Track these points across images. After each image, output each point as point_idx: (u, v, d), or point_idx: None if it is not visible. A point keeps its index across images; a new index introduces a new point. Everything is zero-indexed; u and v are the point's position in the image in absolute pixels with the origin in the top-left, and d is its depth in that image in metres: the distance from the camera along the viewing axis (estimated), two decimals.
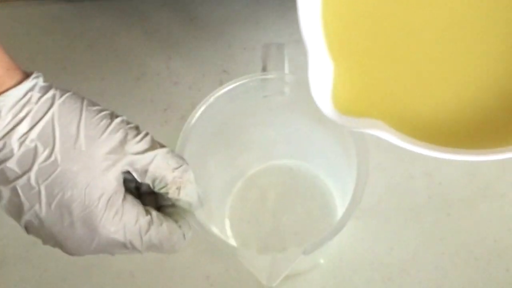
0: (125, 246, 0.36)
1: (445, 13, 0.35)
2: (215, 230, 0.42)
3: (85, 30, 0.61)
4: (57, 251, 0.52)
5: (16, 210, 0.35)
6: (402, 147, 0.33)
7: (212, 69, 0.59)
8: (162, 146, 0.37)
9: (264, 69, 0.45)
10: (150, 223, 0.37)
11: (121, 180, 0.36)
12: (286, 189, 0.53)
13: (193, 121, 0.42)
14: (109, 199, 0.35)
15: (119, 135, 0.35)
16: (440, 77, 0.34)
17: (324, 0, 0.35)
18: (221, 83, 0.58)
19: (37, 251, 0.52)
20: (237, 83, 0.43)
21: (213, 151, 0.47)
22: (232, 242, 0.51)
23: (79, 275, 0.51)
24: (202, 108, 0.42)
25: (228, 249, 0.40)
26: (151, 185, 0.37)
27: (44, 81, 0.35)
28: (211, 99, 0.43)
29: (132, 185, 0.38)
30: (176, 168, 0.37)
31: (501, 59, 0.34)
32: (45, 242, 0.36)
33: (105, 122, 0.35)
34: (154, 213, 0.37)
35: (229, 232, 0.52)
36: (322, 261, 0.51)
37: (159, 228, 0.37)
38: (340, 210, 0.51)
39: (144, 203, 0.38)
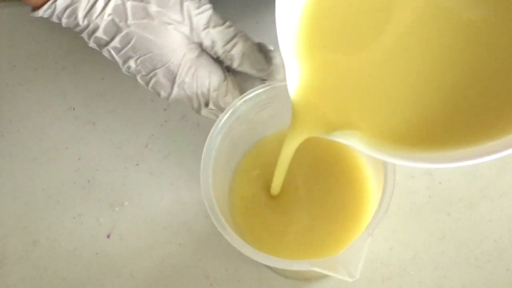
0: (197, 97, 0.44)
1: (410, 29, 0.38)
2: (217, 205, 0.41)
3: None
4: (57, 251, 0.52)
5: (116, 64, 0.45)
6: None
7: None
8: (221, 24, 0.44)
9: (262, 79, 0.45)
10: (221, 82, 0.44)
11: (195, 41, 0.44)
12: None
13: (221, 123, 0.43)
14: (183, 55, 0.43)
15: (185, 4, 0.43)
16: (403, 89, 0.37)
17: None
18: None
19: (37, 251, 0.52)
20: (244, 99, 0.43)
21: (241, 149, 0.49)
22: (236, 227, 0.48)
23: (79, 275, 0.51)
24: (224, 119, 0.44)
25: (303, 266, 0.39)
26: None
27: None
28: (227, 115, 0.43)
29: None
30: (227, 43, 0.44)
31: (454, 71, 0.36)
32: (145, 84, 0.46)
33: None
34: (230, 77, 0.45)
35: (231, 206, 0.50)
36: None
37: (233, 92, 0.45)
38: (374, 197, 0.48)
39: None
